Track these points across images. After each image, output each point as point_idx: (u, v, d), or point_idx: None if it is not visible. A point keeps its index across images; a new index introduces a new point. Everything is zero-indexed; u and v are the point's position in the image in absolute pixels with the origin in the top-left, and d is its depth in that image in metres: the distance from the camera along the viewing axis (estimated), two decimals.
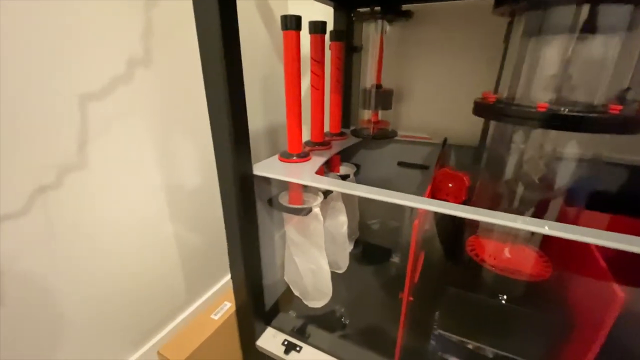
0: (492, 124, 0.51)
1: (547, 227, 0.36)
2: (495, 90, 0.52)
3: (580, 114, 0.34)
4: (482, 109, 0.44)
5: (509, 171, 0.49)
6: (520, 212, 0.49)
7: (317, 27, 0.59)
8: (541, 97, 0.43)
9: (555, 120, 0.36)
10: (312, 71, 0.61)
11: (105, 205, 0.56)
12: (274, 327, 0.68)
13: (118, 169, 0.57)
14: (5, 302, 0.45)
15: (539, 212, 0.47)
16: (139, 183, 0.61)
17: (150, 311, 0.68)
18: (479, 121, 0.71)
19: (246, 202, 0.55)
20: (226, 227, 0.57)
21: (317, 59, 0.60)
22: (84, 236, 0.53)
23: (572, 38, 0.37)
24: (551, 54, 0.42)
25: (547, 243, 0.50)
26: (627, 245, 0.33)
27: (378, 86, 0.75)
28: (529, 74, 0.43)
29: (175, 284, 0.73)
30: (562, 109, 0.35)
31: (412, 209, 0.91)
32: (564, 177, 0.48)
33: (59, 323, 0.52)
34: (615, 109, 0.34)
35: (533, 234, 0.49)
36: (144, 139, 0.60)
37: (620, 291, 0.36)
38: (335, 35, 0.69)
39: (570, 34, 0.37)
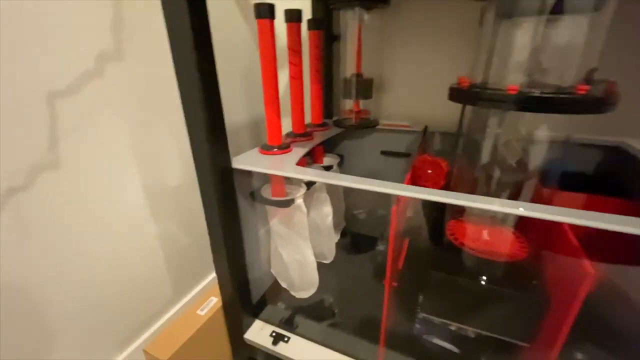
0: (468, 108, 0.51)
1: (521, 209, 0.37)
2: (472, 76, 0.52)
3: (548, 95, 0.35)
4: (456, 94, 0.45)
5: (485, 155, 0.49)
6: (496, 195, 0.50)
7: (293, 16, 0.58)
8: (513, 80, 0.43)
9: (524, 102, 0.36)
10: (289, 61, 0.60)
11: (82, 205, 0.54)
12: (262, 320, 0.68)
13: (94, 167, 0.55)
14: None
15: (515, 195, 0.48)
16: (117, 181, 0.59)
17: (136, 311, 0.67)
18: (459, 107, 0.72)
19: (226, 197, 0.54)
20: (207, 222, 0.56)
21: (294, 49, 0.59)
22: (60, 238, 0.52)
23: (541, 20, 0.38)
24: (521, 37, 0.42)
25: (524, 225, 0.51)
26: (594, 222, 0.34)
27: (358, 75, 0.75)
28: (501, 58, 0.43)
29: (161, 283, 0.72)
30: (531, 90, 0.36)
31: (397, 197, 0.92)
32: (537, 159, 0.49)
33: (38, 330, 0.51)
34: (583, 89, 0.35)
35: (509, 216, 0.51)
36: (121, 136, 0.58)
37: (591, 268, 0.37)
38: (312, 24, 0.67)
39: (539, 16, 0.37)
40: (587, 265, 0.37)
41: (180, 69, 0.45)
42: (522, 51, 0.42)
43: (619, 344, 0.48)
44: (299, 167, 0.54)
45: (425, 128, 0.72)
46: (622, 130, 0.62)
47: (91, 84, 0.53)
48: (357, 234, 0.96)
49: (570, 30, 0.38)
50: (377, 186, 0.43)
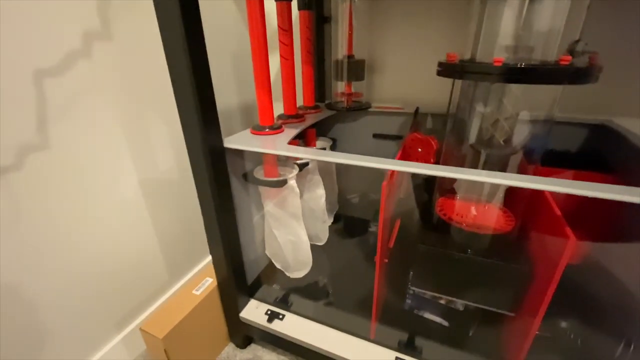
0: (457, 85, 0.52)
1: (504, 179, 0.38)
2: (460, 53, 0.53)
3: (531, 66, 0.36)
4: (445, 68, 0.45)
5: (473, 132, 0.50)
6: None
7: None
8: (500, 55, 0.44)
9: (508, 74, 0.37)
10: (280, 40, 0.60)
11: (74, 187, 0.54)
12: (257, 299, 0.69)
13: (86, 149, 0.55)
14: None
15: (502, 171, 0.49)
16: (110, 164, 0.59)
17: (133, 293, 0.68)
18: (450, 88, 0.72)
19: (219, 177, 0.55)
20: (201, 204, 0.56)
21: (284, 27, 0.59)
22: (54, 219, 0.52)
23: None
24: (507, 12, 0.43)
25: (510, 199, 0.53)
26: (572, 188, 0.35)
27: (350, 57, 0.75)
28: (488, 33, 0.44)
29: (157, 266, 0.73)
30: (516, 63, 0.36)
31: (387, 172, 0.93)
32: (525, 137, 0.50)
33: (34, 311, 0.52)
34: (566, 60, 0.35)
35: (496, 191, 0.52)
36: (112, 118, 0.58)
37: (571, 233, 0.38)
38: (302, 4, 0.67)
39: None
40: (568, 231, 0.39)
41: (170, 49, 0.44)
42: (508, 25, 0.43)
43: (600, 314, 0.51)
44: (290, 145, 0.54)
45: (417, 109, 0.72)
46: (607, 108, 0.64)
47: (79, 63, 0.52)
48: (351, 217, 0.97)
49: (553, 5, 0.38)
50: (367, 162, 0.44)
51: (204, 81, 0.47)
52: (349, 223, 0.97)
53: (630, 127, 0.56)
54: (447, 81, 0.74)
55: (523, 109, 0.50)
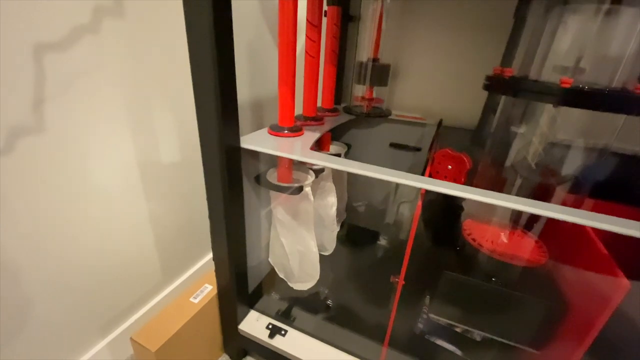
0: (502, 102, 0.48)
1: (549, 210, 0.35)
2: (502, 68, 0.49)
3: (608, 91, 0.32)
4: (497, 83, 0.41)
5: (513, 154, 0.47)
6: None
7: None
8: (555, 75, 0.40)
9: (578, 97, 0.33)
10: (307, 36, 0.55)
11: (67, 175, 0.49)
12: (258, 311, 0.65)
13: (83, 135, 0.49)
14: None
15: (541, 198, 0.46)
16: (108, 153, 0.54)
17: (122, 293, 0.62)
18: (476, 103, 0.69)
19: (232, 179, 0.50)
20: (209, 205, 0.52)
21: (314, 22, 0.54)
22: (41, 210, 0.47)
23: (599, 10, 0.35)
24: (573, 29, 0.39)
25: (544, 230, 0.49)
26: (622, 228, 0.31)
27: (375, 60, 0.70)
28: (547, 51, 0.40)
29: (150, 265, 0.67)
30: (586, 85, 0.33)
31: (396, 192, 0.89)
32: (570, 164, 0.47)
33: (9, 307, 0.46)
34: None
35: (534, 221, 0.48)
36: (114, 103, 0.53)
37: (624, 278, 0.35)
38: (332, 0, 0.63)
39: (598, 4, 0.34)
40: (621, 275, 0.36)
41: (193, 31, 0.39)
42: (572, 44, 0.39)
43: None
44: (314, 152, 0.50)
45: (440, 122, 0.69)
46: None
47: (85, 40, 0.47)
48: (357, 226, 0.94)
49: (628, 25, 0.35)
50: (409, 180, 0.39)
51: (228, 73, 0.42)
52: (353, 232, 0.93)
53: None
54: (474, 95, 0.71)
55: (578, 136, 0.46)
